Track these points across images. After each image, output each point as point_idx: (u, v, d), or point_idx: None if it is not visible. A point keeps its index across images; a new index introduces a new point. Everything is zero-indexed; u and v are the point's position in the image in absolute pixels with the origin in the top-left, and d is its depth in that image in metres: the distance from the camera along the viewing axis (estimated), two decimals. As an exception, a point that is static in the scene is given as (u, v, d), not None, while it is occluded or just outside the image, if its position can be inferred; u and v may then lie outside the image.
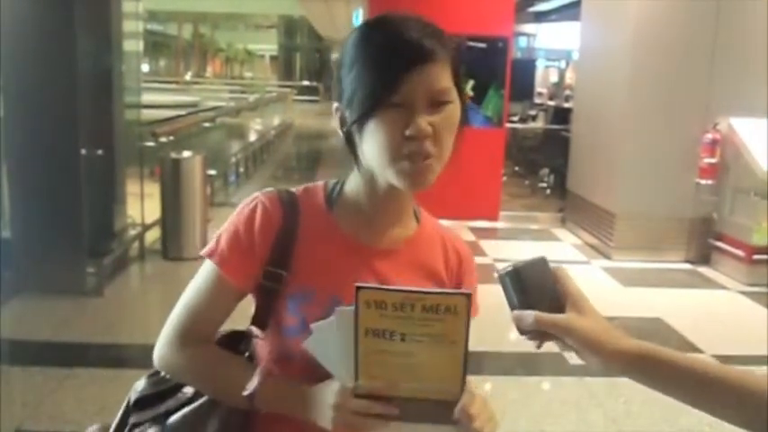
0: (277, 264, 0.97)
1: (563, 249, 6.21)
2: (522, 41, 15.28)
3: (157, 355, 1.03)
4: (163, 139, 5.58)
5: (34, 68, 4.10)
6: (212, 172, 6.58)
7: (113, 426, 1.07)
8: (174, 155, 5.26)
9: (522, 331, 0.81)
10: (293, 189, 1.04)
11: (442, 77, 0.90)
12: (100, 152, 4.51)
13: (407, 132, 0.88)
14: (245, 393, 0.94)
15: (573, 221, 6.76)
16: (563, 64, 12.38)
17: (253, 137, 11.42)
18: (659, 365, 0.78)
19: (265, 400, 0.95)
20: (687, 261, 5.71)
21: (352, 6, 14.09)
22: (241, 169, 9.09)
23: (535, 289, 0.81)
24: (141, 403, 1.06)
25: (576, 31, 7.60)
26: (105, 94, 4.84)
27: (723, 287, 5.21)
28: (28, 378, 3.18)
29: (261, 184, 9.05)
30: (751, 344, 3.90)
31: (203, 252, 1.01)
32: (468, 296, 0.82)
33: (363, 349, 0.83)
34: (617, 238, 5.73)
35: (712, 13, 5.44)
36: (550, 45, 14.40)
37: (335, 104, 0.97)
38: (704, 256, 5.67)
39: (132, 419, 1.05)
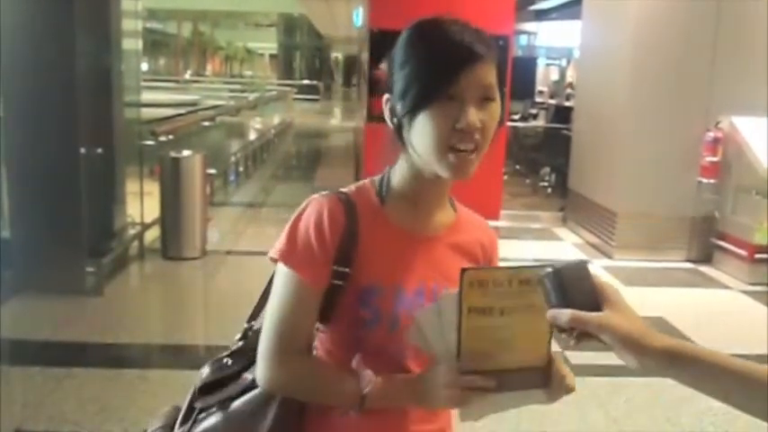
0: (343, 263, 1.02)
1: (564, 248, 6.20)
2: (523, 40, 15.25)
3: (261, 376, 1.04)
4: (162, 138, 5.57)
5: (34, 68, 4.09)
6: (212, 171, 6.57)
7: (182, 412, 1.13)
8: (173, 154, 5.24)
9: (559, 329, 0.85)
10: (345, 189, 1.08)
11: (491, 75, 0.98)
12: (99, 151, 4.50)
13: (458, 125, 0.95)
14: (363, 394, 0.99)
15: (574, 220, 6.74)
16: (564, 62, 12.37)
17: (253, 136, 11.41)
18: (695, 364, 0.80)
19: (377, 399, 1.00)
20: (689, 260, 5.70)
21: (352, 5, 14.08)
22: (241, 168, 9.08)
23: (573, 289, 0.85)
24: (206, 389, 1.12)
25: (577, 30, 7.58)
26: (105, 93, 4.83)
27: (725, 286, 5.19)
28: (28, 378, 3.17)
29: (261, 183, 9.04)
30: (753, 343, 3.88)
31: (276, 254, 1.03)
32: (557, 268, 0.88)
33: (465, 328, 0.89)
34: (618, 237, 5.72)
35: (713, 11, 5.43)
36: (551, 43, 14.38)
37: (386, 96, 1.03)
38: (706, 256, 5.66)
39: (198, 405, 1.11)
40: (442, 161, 0.98)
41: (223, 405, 1.09)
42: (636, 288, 5.07)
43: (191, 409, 1.12)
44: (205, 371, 1.14)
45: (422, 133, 0.97)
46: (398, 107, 1.00)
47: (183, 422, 1.11)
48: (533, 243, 6.39)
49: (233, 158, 8.91)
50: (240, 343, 1.13)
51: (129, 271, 4.97)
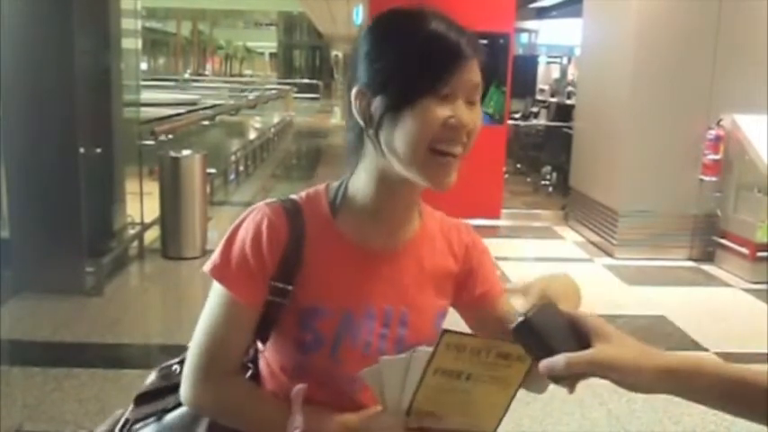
0: (283, 279, 0.94)
1: (565, 247, 6.19)
2: (524, 38, 15.22)
3: (185, 394, 0.97)
4: (162, 138, 5.55)
5: (33, 67, 4.07)
6: (212, 170, 6.56)
7: (122, 420, 1.06)
8: (173, 153, 5.23)
9: (555, 380, 0.77)
10: (295, 196, 1.00)
11: (478, 75, 0.92)
12: (99, 151, 4.49)
13: (451, 120, 0.88)
14: None
15: (576, 219, 6.73)
16: (565, 60, 12.34)
17: (252, 135, 11.42)
18: (703, 378, 0.76)
19: None
20: (691, 258, 5.68)
21: (352, 3, 14.07)
22: (241, 167, 9.07)
23: (553, 331, 0.78)
24: (141, 399, 1.05)
25: (578, 27, 7.56)
26: (104, 93, 4.82)
27: (727, 285, 5.18)
28: (28, 378, 3.16)
29: (261, 182, 9.03)
30: (754, 341, 3.87)
31: (208, 269, 0.97)
32: None
33: (426, 386, 0.83)
34: (620, 235, 5.70)
35: (714, 8, 5.41)
36: (552, 41, 14.33)
37: (356, 88, 0.92)
38: (708, 254, 5.64)
39: (131, 416, 1.05)
40: (423, 166, 0.89)
41: (159, 417, 1.02)
42: (638, 287, 5.06)
43: (127, 419, 1.06)
44: (151, 377, 1.08)
45: (406, 130, 0.87)
46: (377, 101, 0.89)
47: (120, 430, 1.06)
48: (535, 242, 6.37)
49: (233, 157, 8.90)
50: None
51: (129, 271, 4.96)
